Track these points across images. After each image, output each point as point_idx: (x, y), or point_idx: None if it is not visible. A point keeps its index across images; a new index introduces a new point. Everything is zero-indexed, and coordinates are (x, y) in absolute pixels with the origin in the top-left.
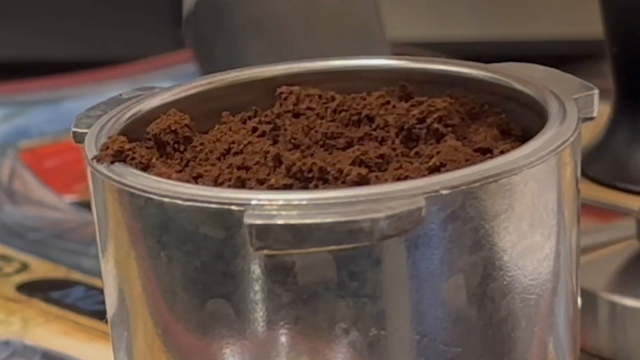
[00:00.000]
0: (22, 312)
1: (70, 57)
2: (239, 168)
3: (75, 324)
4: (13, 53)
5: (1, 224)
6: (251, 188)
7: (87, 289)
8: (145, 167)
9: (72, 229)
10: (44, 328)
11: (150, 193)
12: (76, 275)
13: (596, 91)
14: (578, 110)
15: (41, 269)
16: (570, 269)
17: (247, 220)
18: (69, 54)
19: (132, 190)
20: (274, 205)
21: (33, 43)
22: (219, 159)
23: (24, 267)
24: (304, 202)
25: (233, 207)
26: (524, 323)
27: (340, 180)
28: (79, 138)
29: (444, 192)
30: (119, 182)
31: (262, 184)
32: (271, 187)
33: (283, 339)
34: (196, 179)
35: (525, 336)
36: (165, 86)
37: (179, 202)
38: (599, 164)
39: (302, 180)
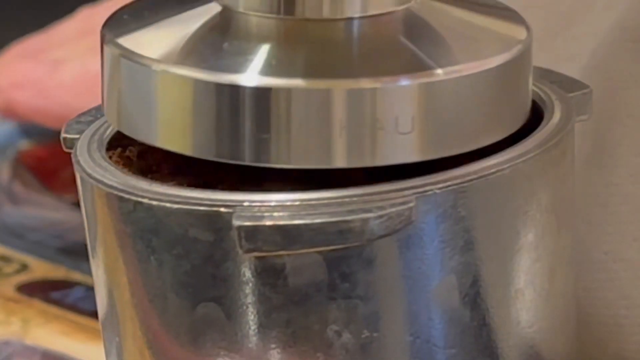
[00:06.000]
0: (22, 312)
1: None
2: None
3: (75, 324)
4: None
5: (1, 224)
6: (246, 190)
7: (87, 289)
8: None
9: (72, 229)
10: (44, 328)
11: (139, 197)
12: (76, 276)
13: (591, 89)
14: (573, 109)
15: (41, 269)
16: (567, 268)
17: (236, 222)
18: None
19: (120, 194)
20: (262, 206)
21: None
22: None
23: (24, 267)
24: (291, 203)
25: (222, 209)
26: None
27: (335, 179)
28: (69, 144)
29: (435, 191)
30: (108, 186)
31: (258, 185)
32: (266, 189)
33: (274, 342)
34: (190, 182)
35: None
36: None
37: (168, 205)
38: None
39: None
